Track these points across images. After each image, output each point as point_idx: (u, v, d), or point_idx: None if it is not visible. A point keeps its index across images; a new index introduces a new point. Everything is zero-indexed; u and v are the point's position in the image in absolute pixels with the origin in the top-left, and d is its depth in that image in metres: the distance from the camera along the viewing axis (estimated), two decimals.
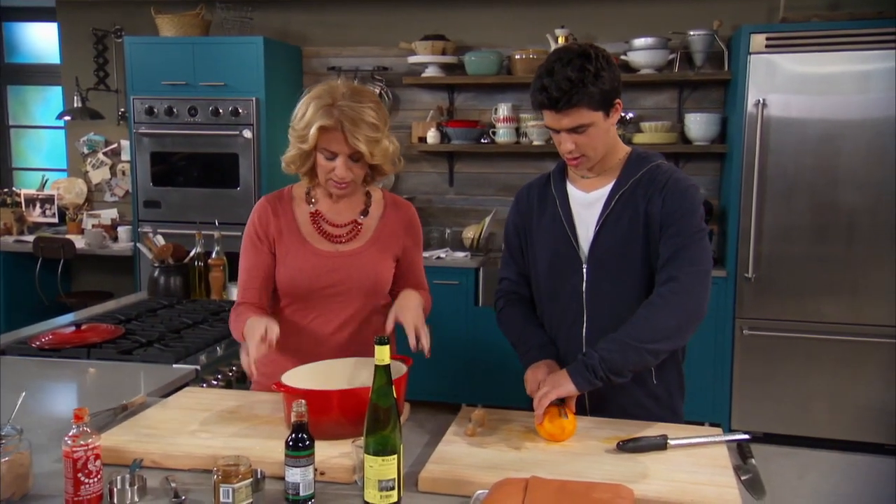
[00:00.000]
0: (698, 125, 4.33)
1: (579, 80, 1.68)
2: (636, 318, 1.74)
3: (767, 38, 3.94)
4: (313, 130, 1.80)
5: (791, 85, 3.94)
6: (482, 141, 4.72)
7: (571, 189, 1.91)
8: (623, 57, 4.46)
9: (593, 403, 1.87)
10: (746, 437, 1.70)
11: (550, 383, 1.70)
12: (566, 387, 1.68)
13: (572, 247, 1.86)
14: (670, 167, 1.87)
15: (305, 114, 1.83)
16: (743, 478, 1.55)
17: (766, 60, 3.96)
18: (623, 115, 4.51)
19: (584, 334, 1.86)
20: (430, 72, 4.70)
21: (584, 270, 1.85)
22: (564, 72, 1.69)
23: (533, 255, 1.95)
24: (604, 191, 1.86)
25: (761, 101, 3.96)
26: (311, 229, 1.96)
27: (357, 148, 1.81)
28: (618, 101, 1.78)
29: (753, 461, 1.62)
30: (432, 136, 4.73)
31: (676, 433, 1.66)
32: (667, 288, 1.74)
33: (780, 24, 4.12)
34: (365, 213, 2.01)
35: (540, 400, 1.66)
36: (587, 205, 1.87)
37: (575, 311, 1.87)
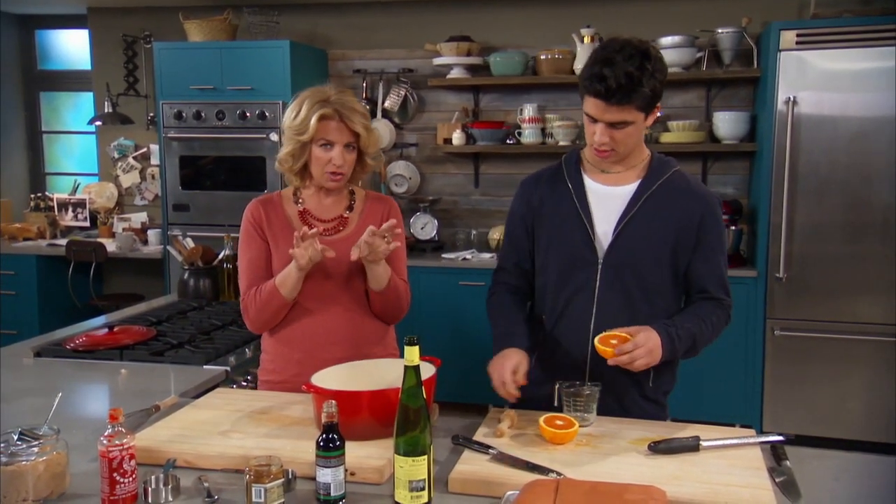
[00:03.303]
0: (727, 123, 4.28)
1: (638, 78, 1.67)
2: (707, 318, 1.81)
3: (798, 35, 3.89)
4: (313, 120, 1.92)
5: (822, 82, 3.88)
6: (508, 142, 4.71)
7: (588, 181, 1.88)
8: None
9: None
10: (781, 438, 1.68)
11: (646, 347, 1.67)
12: (657, 356, 1.69)
13: (589, 240, 1.84)
14: (693, 176, 1.91)
15: (300, 111, 1.95)
16: (777, 480, 1.52)
17: (796, 57, 3.90)
18: None
19: (591, 328, 1.85)
20: (456, 73, 4.70)
21: (600, 266, 1.83)
22: (625, 66, 1.67)
23: (542, 245, 1.91)
24: (629, 188, 1.85)
25: (792, 99, 3.90)
26: (300, 223, 2.04)
27: (355, 130, 1.94)
28: (659, 104, 1.78)
29: (788, 463, 1.59)
30: (458, 137, 4.73)
31: (708, 434, 1.64)
32: (721, 309, 1.86)
33: (810, 20, 4.06)
34: (350, 208, 2.10)
35: (631, 359, 1.66)
36: (608, 199, 1.85)
37: (583, 304, 1.86)
